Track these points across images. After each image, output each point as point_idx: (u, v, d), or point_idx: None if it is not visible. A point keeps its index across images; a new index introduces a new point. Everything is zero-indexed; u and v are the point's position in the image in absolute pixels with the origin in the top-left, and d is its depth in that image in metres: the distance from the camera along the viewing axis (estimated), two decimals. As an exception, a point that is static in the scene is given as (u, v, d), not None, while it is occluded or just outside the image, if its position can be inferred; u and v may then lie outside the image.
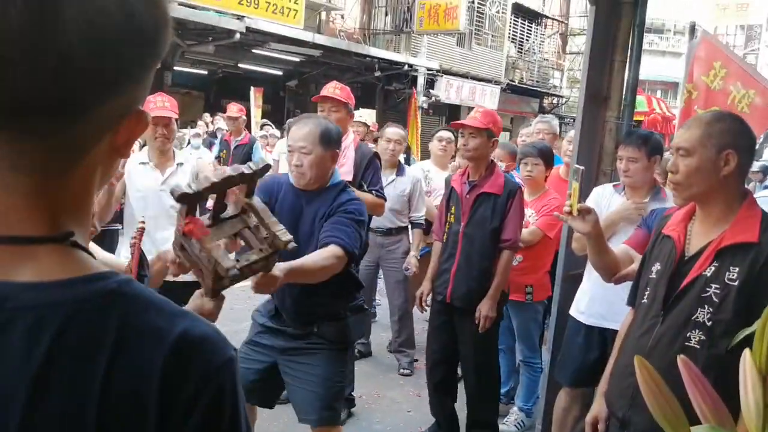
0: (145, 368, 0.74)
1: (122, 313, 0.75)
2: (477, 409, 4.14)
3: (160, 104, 4.06)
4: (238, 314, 4.89)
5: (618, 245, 2.87)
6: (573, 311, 3.60)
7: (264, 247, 2.15)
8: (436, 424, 4.31)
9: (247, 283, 2.28)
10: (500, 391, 4.40)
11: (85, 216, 0.81)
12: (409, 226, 5.47)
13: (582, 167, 2.70)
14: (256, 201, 2.18)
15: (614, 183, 3.65)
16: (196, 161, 4.27)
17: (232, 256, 2.14)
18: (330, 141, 2.98)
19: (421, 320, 6.63)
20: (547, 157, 4.51)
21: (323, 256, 2.74)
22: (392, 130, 5.58)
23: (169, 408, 0.74)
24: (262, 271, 2.24)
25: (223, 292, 2.11)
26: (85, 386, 0.72)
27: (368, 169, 4.18)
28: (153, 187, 4.02)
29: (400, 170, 5.39)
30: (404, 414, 4.69)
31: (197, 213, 2.05)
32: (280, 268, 2.41)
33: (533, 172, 4.45)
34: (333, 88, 4.22)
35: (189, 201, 1.96)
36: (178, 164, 4.11)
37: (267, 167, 2.17)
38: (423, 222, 5.35)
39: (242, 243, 2.30)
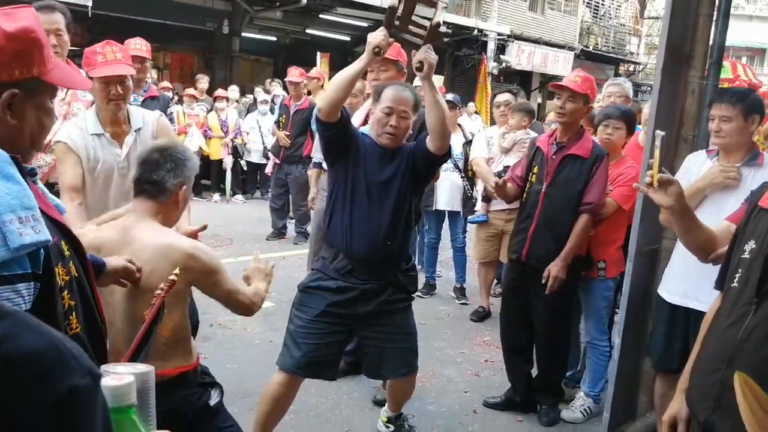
0: None
1: None
2: (545, 374, 4.14)
3: (110, 56, 3.19)
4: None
5: (707, 216, 2.50)
6: (660, 288, 3.36)
7: None
8: (511, 389, 4.25)
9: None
10: (567, 360, 4.27)
11: None
12: None
13: (662, 132, 2.37)
14: None
15: (708, 148, 3.28)
16: (156, 121, 3.48)
17: None
18: (418, 107, 3.23)
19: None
20: (630, 121, 4.22)
21: None
22: None
23: None
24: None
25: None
26: None
27: (423, 131, 3.90)
28: (112, 164, 3.28)
29: None
30: (460, 394, 4.42)
31: None
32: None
33: (613, 136, 4.10)
34: None
35: None
36: (135, 131, 3.35)
37: None
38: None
39: None
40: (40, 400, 0.50)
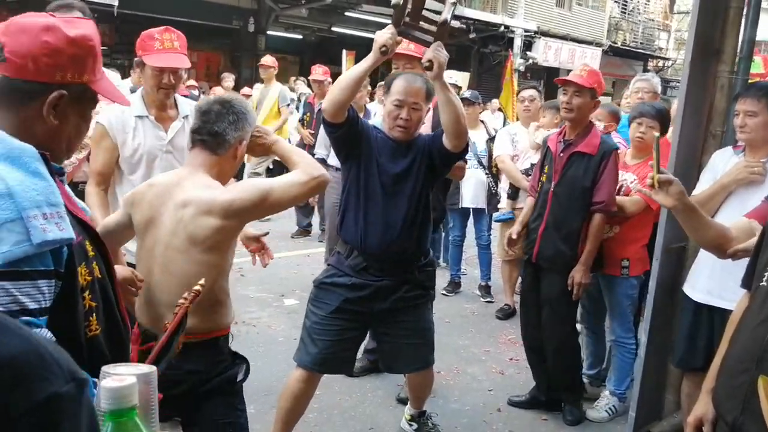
0: None
1: None
2: (555, 372, 4.10)
3: (167, 44, 3.07)
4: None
5: (731, 212, 2.47)
6: (685, 286, 3.32)
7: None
8: (536, 387, 4.23)
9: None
10: (580, 359, 4.22)
11: None
12: None
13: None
14: None
15: (736, 144, 3.22)
16: None
17: None
18: (430, 97, 3.12)
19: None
20: (664, 120, 4.10)
21: None
22: None
23: None
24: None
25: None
26: None
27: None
28: (156, 147, 3.20)
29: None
30: (484, 393, 4.39)
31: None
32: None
33: (646, 135, 4.01)
34: (406, 43, 3.91)
35: None
36: (184, 117, 3.25)
37: None
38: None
39: None
40: (16, 407, 0.49)
